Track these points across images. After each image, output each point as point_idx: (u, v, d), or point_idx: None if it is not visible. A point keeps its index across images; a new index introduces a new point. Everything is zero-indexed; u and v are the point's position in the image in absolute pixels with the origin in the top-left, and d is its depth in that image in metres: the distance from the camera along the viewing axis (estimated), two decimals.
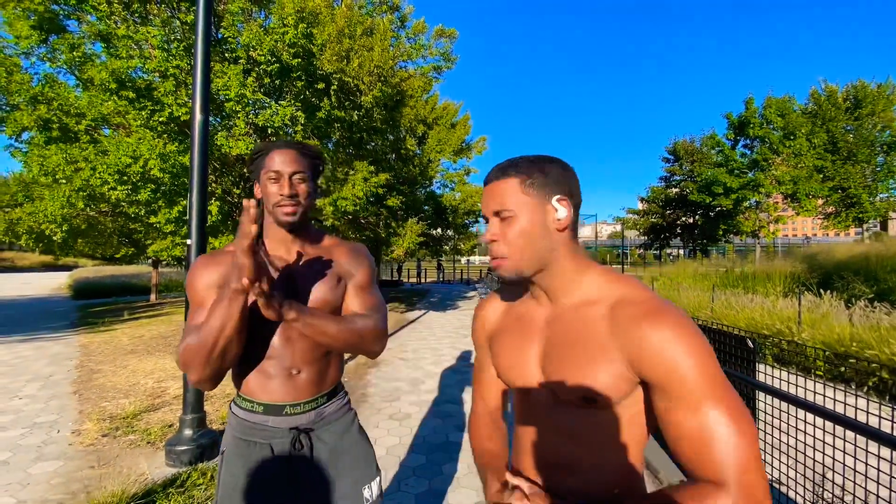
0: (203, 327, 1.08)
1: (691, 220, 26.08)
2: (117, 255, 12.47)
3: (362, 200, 7.08)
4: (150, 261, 16.28)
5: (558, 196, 0.83)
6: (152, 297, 15.55)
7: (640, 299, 0.78)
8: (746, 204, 23.44)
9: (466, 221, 20.81)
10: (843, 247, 16.08)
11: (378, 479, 1.33)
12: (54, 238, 6.15)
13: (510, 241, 0.83)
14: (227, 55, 5.57)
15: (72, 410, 4.57)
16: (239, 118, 5.76)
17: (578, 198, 0.87)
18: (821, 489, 2.30)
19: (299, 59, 5.52)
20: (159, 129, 5.44)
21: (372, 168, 6.93)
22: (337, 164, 7.07)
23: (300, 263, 1.26)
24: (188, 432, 3.39)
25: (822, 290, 9.82)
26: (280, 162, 1.18)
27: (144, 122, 5.43)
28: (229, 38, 5.53)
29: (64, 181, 5.31)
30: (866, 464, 1.90)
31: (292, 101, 5.72)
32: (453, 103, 19.29)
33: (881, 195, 22.43)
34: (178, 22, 5.13)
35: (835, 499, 2.22)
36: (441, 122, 13.96)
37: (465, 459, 3.42)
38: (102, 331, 9.20)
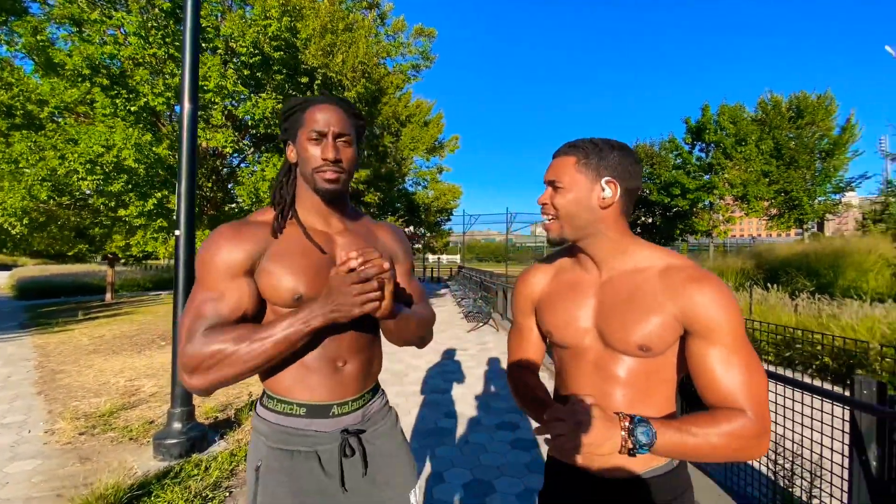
0: (250, 340, 0.90)
1: (650, 220, 27.25)
2: (70, 252, 11.75)
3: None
4: (104, 258, 15.40)
5: (608, 178, 0.95)
6: (108, 296, 14.74)
7: (686, 266, 0.94)
8: (702, 205, 24.81)
9: (439, 219, 20.94)
10: (785, 246, 17.45)
11: (418, 483, 1.18)
12: (12, 231, 5.79)
13: (557, 207, 0.97)
14: (204, 45, 5.43)
15: (40, 410, 4.37)
16: (216, 109, 5.63)
17: (632, 182, 0.96)
18: (780, 449, 2.59)
19: (281, 53, 5.46)
20: (131, 118, 5.24)
21: None
22: None
23: (346, 240, 1.11)
24: (177, 425, 3.35)
25: (769, 285, 10.68)
26: (323, 120, 1.01)
27: (115, 110, 5.22)
28: (208, 28, 5.40)
29: (28, 170, 5.01)
30: (813, 429, 2.18)
31: (273, 94, 5.65)
32: (426, 101, 19.33)
33: (819, 198, 24.23)
34: (156, 9, 4.97)
35: (793, 455, 2.51)
36: (414, 120, 14.00)
37: (458, 443, 3.55)
38: (57, 331, 8.71)
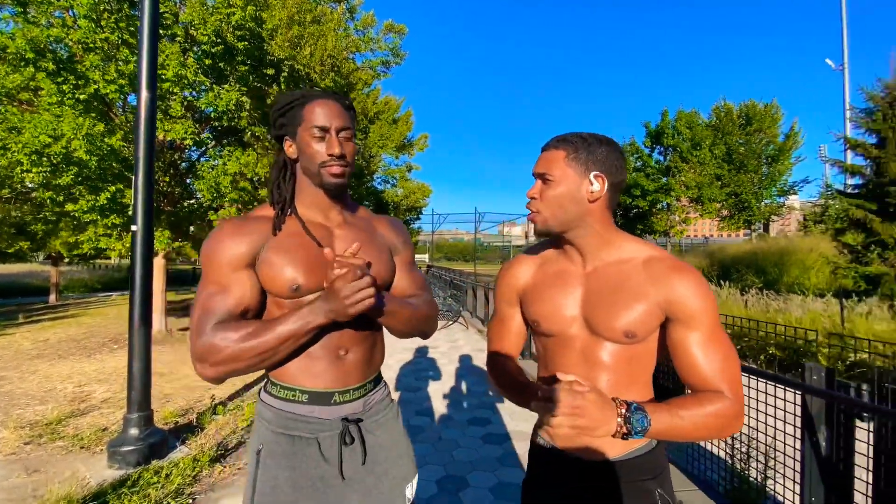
0: (256, 337, 0.95)
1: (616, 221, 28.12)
2: (10, 251, 10.88)
3: None
4: (47, 257, 14.39)
5: (596, 172, 0.97)
6: (52, 297, 13.79)
7: (667, 257, 1.00)
8: (660, 206, 25.89)
9: (408, 218, 20.79)
10: (735, 245, 18.55)
11: (416, 477, 1.19)
12: None
13: (546, 200, 0.99)
14: (162, 31, 5.16)
15: None
16: (175, 100, 5.36)
17: (619, 177, 1.00)
18: (737, 433, 2.74)
19: (246, 43, 5.25)
20: (80, 107, 4.90)
21: None
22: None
23: (345, 233, 1.12)
24: (134, 432, 3.17)
25: (721, 282, 11.32)
26: (325, 116, 1.03)
27: (62, 98, 4.87)
28: (166, 14, 5.13)
29: None
30: (767, 414, 2.32)
31: (237, 86, 5.44)
32: (395, 99, 19.13)
33: (766, 201, 25.77)
34: None
35: (748, 440, 2.66)
36: (383, 117, 13.86)
37: (430, 440, 3.55)
38: None
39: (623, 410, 0.85)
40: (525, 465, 3.16)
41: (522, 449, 3.39)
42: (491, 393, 4.79)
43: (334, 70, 6.16)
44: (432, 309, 1.22)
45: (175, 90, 5.35)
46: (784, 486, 2.24)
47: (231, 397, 4.56)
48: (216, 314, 0.97)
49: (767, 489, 2.52)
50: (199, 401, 4.46)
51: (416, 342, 7.33)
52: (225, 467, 3.07)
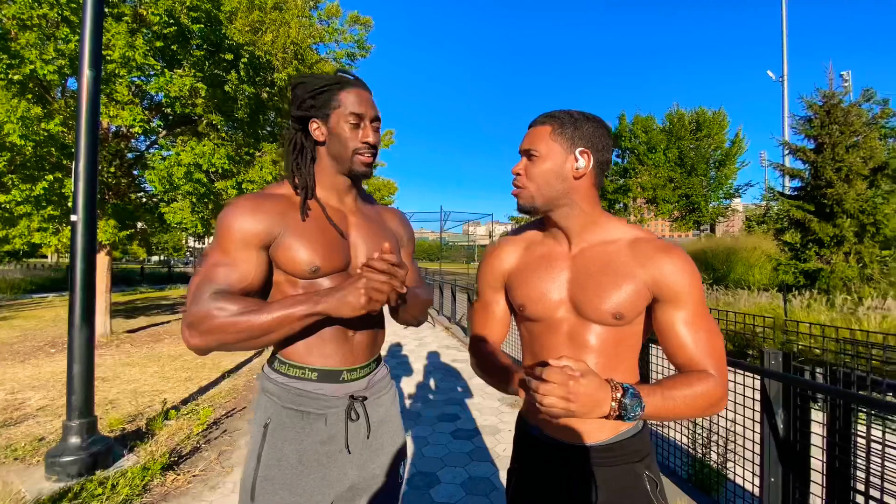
0: (256, 313, 0.95)
1: None
2: None
3: (269, 184, 6.61)
4: None
5: (581, 149, 0.96)
6: None
7: (653, 238, 1.00)
8: (618, 206, 26.89)
9: None
10: (686, 244, 19.58)
11: (408, 459, 1.27)
12: None
13: (531, 176, 0.97)
14: (108, 9, 4.78)
15: None
16: (121, 83, 4.98)
17: (605, 155, 0.99)
18: (697, 419, 2.84)
19: (202, 25, 4.95)
20: (14, 88, 4.46)
21: (282, 151, 6.50)
22: (240, 144, 6.50)
23: (358, 220, 1.16)
24: (75, 440, 2.90)
25: None
26: (361, 103, 1.06)
27: None
28: None
29: None
30: (729, 399, 2.42)
31: (192, 71, 5.12)
32: None
33: (713, 203, 27.31)
34: None
35: (710, 424, 2.77)
36: None
37: None
38: None
39: (618, 395, 0.82)
40: (494, 460, 3.18)
41: (492, 443, 3.38)
42: (460, 389, 4.77)
43: (298, 59, 5.93)
44: (431, 297, 1.30)
45: (122, 73, 4.97)
46: (744, 469, 2.33)
47: (185, 401, 4.29)
48: (217, 283, 0.97)
49: (727, 472, 2.63)
50: (149, 406, 4.17)
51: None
52: (178, 475, 2.87)
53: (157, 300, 14.12)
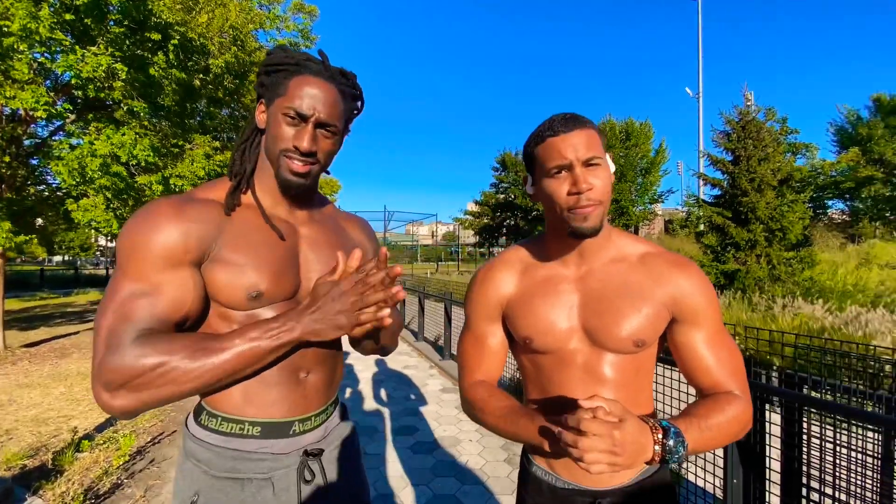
0: (207, 354, 0.74)
1: (514, 223, 29.81)
2: None
3: (203, 180, 6.00)
4: None
5: (608, 152, 0.88)
6: None
7: (662, 251, 0.93)
8: None
9: None
10: None
11: None
12: None
13: (601, 188, 0.83)
14: None
15: None
16: (21, 60, 4.26)
17: None
18: None
19: None
20: None
21: (217, 144, 5.91)
22: (166, 134, 5.85)
23: (312, 233, 0.96)
24: None
25: None
26: (309, 101, 0.83)
27: None
28: None
29: None
30: (680, 400, 2.49)
31: (109, 50, 4.48)
32: None
33: (639, 207, 29.33)
34: None
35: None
36: None
37: None
38: None
39: (660, 436, 0.73)
40: (458, 474, 3.06)
41: (453, 455, 3.26)
42: (414, 397, 4.62)
43: (237, 44, 5.42)
44: (400, 321, 1.13)
45: (22, 47, 4.25)
46: (705, 471, 2.41)
47: (100, 428, 3.74)
48: (140, 321, 0.74)
49: (689, 474, 2.72)
50: (55, 435, 3.59)
51: None
52: None
53: (61, 307, 12.44)
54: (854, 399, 2.13)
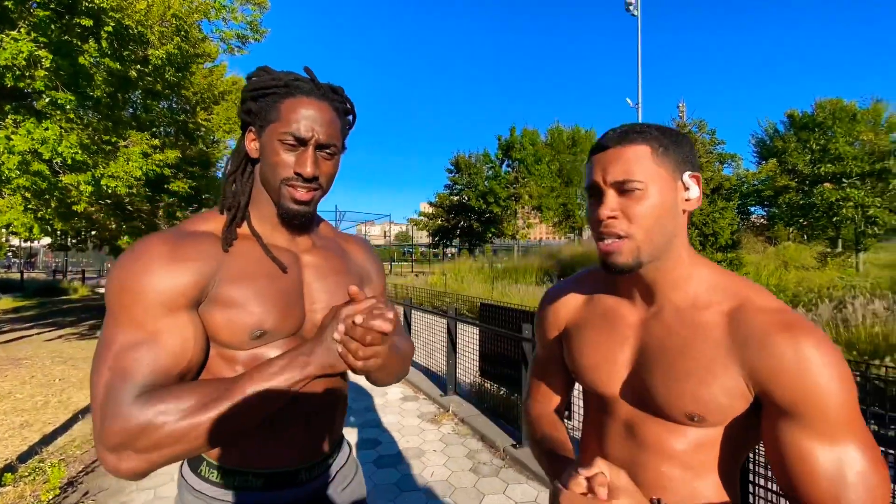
0: (217, 404, 0.69)
1: (468, 224, 30.16)
2: None
3: (140, 182, 5.52)
4: None
5: (691, 172, 0.72)
6: None
7: (771, 307, 0.68)
8: (509, 212, 28.77)
9: None
10: (569, 247, 21.83)
11: None
12: None
13: (636, 217, 0.69)
14: None
15: None
16: None
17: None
18: None
19: None
20: None
21: (156, 142, 5.45)
22: (97, 129, 5.33)
23: (316, 260, 0.91)
24: None
25: (560, 279, 13.09)
26: (307, 123, 0.78)
27: None
28: None
29: None
30: None
31: (31, 35, 4.00)
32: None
33: (585, 212, 30.79)
34: None
35: None
36: (230, 98, 12.19)
37: None
38: None
39: None
40: (424, 487, 3.03)
41: (419, 468, 3.23)
42: (375, 407, 4.52)
43: (181, 35, 5.01)
44: (411, 348, 1.08)
45: None
46: None
47: (23, 457, 3.33)
48: (140, 377, 0.68)
49: None
50: None
51: None
52: None
53: None
54: None
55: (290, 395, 0.75)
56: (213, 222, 0.84)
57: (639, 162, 0.69)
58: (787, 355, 0.63)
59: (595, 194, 0.73)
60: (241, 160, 0.88)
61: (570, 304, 0.90)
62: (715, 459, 0.72)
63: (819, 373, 0.61)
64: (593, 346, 0.82)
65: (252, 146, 0.84)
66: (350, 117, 0.91)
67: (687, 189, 0.72)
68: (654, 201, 0.69)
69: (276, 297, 0.81)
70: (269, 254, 0.83)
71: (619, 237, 0.70)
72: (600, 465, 0.58)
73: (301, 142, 0.79)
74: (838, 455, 0.61)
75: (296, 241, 0.90)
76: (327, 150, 0.82)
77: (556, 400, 0.99)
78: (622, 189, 0.69)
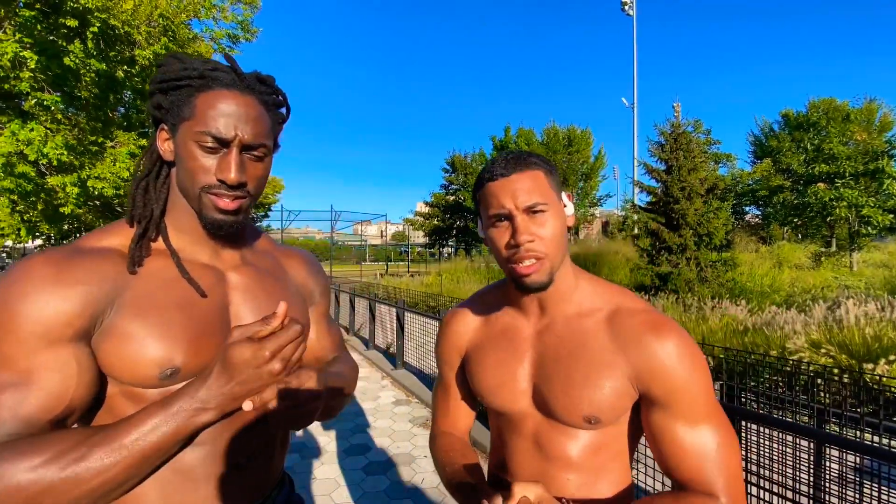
0: (92, 456, 0.57)
1: (464, 224, 30.11)
2: None
3: (127, 183, 5.46)
4: None
5: (566, 192, 0.79)
6: None
7: (640, 309, 0.77)
8: None
9: (254, 215, 18.60)
10: None
11: None
12: None
13: (546, 238, 0.73)
14: None
15: None
16: None
17: None
18: None
19: None
20: None
21: (144, 142, 5.38)
22: (84, 130, 5.25)
23: (244, 279, 0.80)
24: None
25: None
26: (228, 118, 0.67)
27: None
28: None
29: None
30: None
31: (16, 35, 3.93)
32: None
33: (579, 211, 30.73)
34: None
35: None
36: None
37: (304, 484, 3.08)
38: None
39: None
40: (414, 495, 2.99)
41: (408, 475, 3.19)
42: (365, 412, 4.48)
43: (168, 35, 4.94)
44: (356, 374, 0.98)
45: None
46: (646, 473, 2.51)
47: None
48: (2, 425, 0.57)
49: None
50: None
51: None
52: None
53: None
54: (786, 407, 2.31)
55: (189, 436, 0.65)
56: (118, 236, 0.72)
57: (539, 186, 0.74)
58: (658, 353, 0.72)
59: (503, 219, 0.74)
60: (153, 162, 0.76)
61: (471, 325, 0.91)
62: (610, 460, 0.79)
63: (681, 366, 0.71)
64: (495, 367, 0.84)
65: (165, 147, 0.74)
66: (283, 110, 0.80)
67: (565, 206, 0.78)
68: (555, 221, 0.74)
69: (189, 327, 0.69)
70: (186, 274, 0.72)
71: (538, 258, 0.72)
72: (519, 490, 0.57)
73: (222, 143, 0.68)
74: (701, 435, 0.71)
75: (221, 256, 0.79)
76: (255, 152, 0.71)
77: (463, 425, 0.99)
78: (532, 212, 0.73)
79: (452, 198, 30.33)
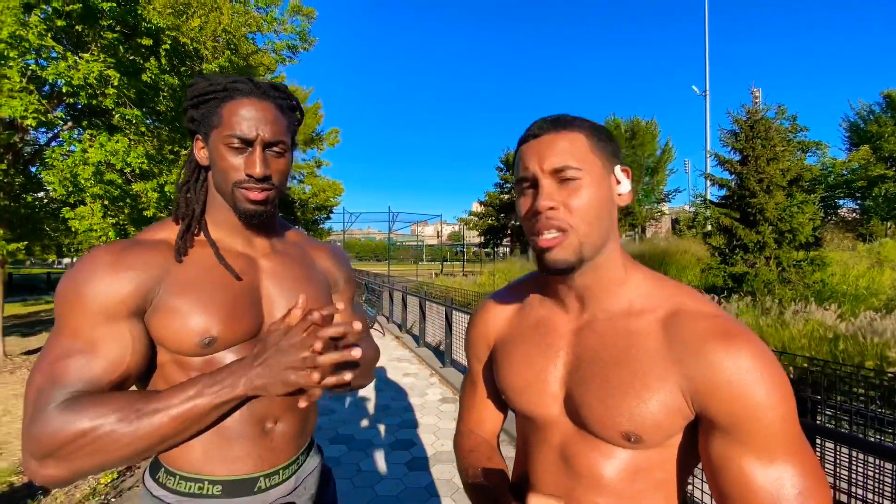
0: (141, 417, 0.69)
1: (518, 223, 29.77)
2: None
3: None
4: None
5: (622, 166, 0.67)
6: None
7: (707, 313, 0.63)
8: None
9: (317, 217, 19.58)
10: (626, 245, 20.88)
11: None
12: None
13: (577, 209, 0.62)
14: None
15: None
16: (12, 67, 4.21)
17: None
18: None
19: (113, 3, 4.28)
20: None
21: None
22: (163, 140, 5.79)
23: (274, 266, 0.91)
24: None
25: None
26: (249, 121, 0.79)
27: None
28: None
29: None
30: None
31: (102, 56, 4.42)
32: (302, 88, 17.97)
33: (646, 206, 29.12)
34: None
35: None
36: None
37: (348, 474, 3.15)
38: None
39: None
40: (453, 495, 2.95)
41: (450, 473, 3.15)
42: (413, 408, 4.51)
43: (231, 49, 5.34)
44: (377, 355, 1.06)
45: (12, 55, 4.20)
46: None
47: None
48: (70, 384, 0.69)
49: None
50: None
51: None
52: None
53: None
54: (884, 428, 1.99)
55: (220, 411, 0.74)
56: (167, 230, 0.86)
57: (576, 149, 0.64)
58: (725, 366, 0.58)
59: (529, 185, 0.66)
60: (192, 169, 0.89)
61: (501, 316, 0.83)
62: (652, 489, 0.65)
63: (756, 385, 0.56)
64: (522, 363, 0.75)
65: (201, 154, 0.86)
66: (297, 113, 0.90)
67: (619, 183, 0.67)
68: (592, 191, 0.63)
69: (225, 304, 0.81)
70: (223, 261, 0.84)
71: (561, 230, 0.63)
72: (535, 502, 0.51)
73: (247, 142, 0.79)
74: (776, 475, 0.56)
75: (254, 244, 0.90)
76: (275, 148, 0.82)
77: (491, 426, 0.89)
78: (561, 178, 0.63)
79: (507, 196, 29.98)
